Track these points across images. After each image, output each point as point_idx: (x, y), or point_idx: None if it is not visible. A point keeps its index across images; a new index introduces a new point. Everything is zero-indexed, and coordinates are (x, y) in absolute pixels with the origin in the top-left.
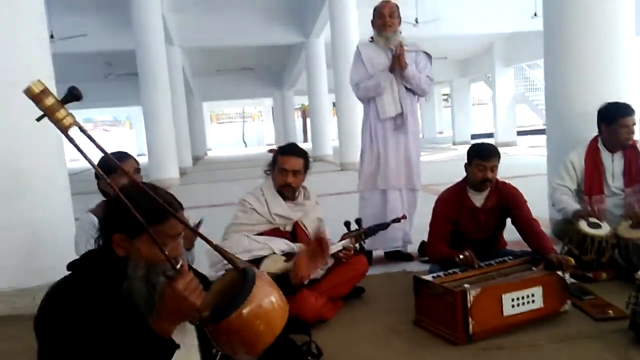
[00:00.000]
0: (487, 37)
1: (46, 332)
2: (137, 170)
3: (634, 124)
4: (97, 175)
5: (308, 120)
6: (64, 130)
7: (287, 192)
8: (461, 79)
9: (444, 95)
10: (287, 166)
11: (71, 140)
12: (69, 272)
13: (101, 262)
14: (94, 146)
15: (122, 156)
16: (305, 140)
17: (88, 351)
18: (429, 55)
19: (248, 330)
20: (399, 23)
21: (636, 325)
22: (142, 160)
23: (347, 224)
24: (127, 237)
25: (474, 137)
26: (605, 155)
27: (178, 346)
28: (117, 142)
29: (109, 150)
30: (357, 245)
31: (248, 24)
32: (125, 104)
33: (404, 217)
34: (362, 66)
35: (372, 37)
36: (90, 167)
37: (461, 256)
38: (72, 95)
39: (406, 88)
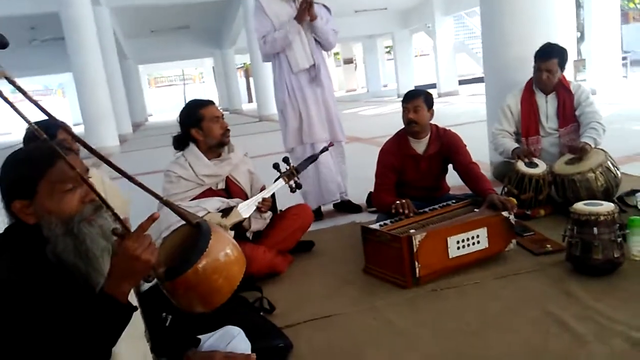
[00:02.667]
0: None
1: None
2: (74, 137)
3: (552, 69)
4: (25, 141)
5: (251, 79)
6: None
7: (228, 138)
8: (402, 30)
9: (387, 47)
10: (218, 113)
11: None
12: None
13: (19, 235)
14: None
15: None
16: (250, 101)
17: (36, 330)
18: (328, 9)
19: (206, 284)
20: None
21: (572, 257)
22: (79, 129)
23: (275, 166)
24: (26, 200)
25: (417, 88)
26: (539, 96)
27: (136, 308)
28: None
29: (39, 118)
30: (291, 183)
31: None
32: (55, 71)
33: (331, 144)
34: (267, 19)
35: None
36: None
37: (397, 203)
38: None
39: (315, 40)
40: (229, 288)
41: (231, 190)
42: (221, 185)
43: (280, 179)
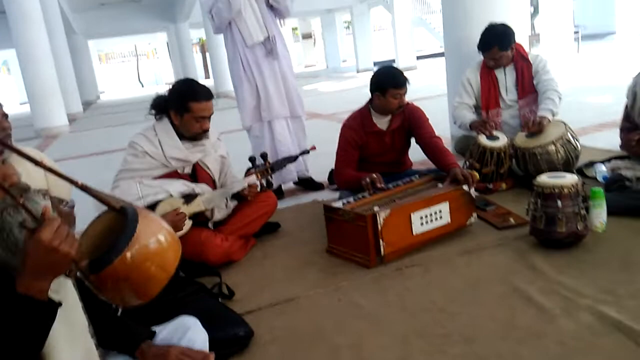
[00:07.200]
0: None
1: None
2: (5, 115)
3: (495, 56)
4: None
5: (208, 55)
6: None
7: (204, 137)
8: (361, 4)
9: (345, 22)
10: (207, 113)
11: None
12: None
13: None
14: None
15: None
16: (207, 77)
17: None
18: None
19: (137, 274)
20: None
21: (536, 230)
22: (26, 108)
23: (252, 159)
24: None
25: (376, 64)
26: (498, 70)
27: (60, 304)
28: None
29: None
30: (263, 181)
31: None
32: None
33: (313, 148)
34: None
35: None
36: None
37: (367, 179)
38: None
39: (270, 8)
40: (164, 275)
41: (198, 175)
42: (188, 170)
43: (253, 175)
